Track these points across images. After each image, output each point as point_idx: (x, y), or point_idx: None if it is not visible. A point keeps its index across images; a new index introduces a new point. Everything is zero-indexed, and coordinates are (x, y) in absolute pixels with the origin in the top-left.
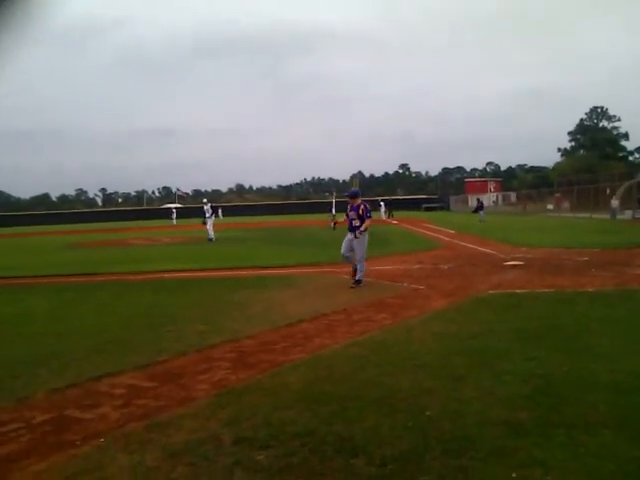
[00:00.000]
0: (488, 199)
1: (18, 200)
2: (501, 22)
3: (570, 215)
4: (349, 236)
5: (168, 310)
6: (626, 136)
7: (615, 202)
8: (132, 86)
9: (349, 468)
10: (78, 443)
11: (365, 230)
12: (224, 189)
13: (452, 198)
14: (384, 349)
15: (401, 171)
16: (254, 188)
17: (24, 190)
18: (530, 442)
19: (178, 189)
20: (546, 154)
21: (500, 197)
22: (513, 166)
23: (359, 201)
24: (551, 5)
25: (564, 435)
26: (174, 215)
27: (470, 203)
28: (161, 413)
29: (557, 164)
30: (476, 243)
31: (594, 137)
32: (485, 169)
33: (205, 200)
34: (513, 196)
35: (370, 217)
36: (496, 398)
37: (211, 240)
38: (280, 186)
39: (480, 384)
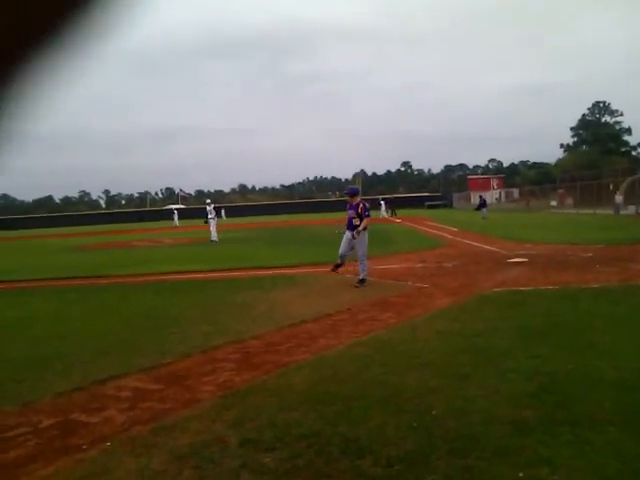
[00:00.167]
0: (491, 196)
1: (22, 203)
2: (502, 16)
3: (573, 211)
4: (348, 235)
5: (172, 312)
6: (629, 131)
7: (619, 197)
8: (133, 86)
9: (355, 469)
10: (85, 447)
11: (364, 229)
12: (227, 189)
13: (455, 195)
14: (389, 348)
15: (403, 169)
16: (257, 188)
17: (27, 193)
18: (536, 440)
19: (181, 190)
20: (548, 150)
21: (503, 194)
22: (515, 162)
23: (358, 199)
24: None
25: (570, 433)
26: (176, 216)
27: (473, 200)
28: (167, 416)
29: (559, 160)
30: (479, 241)
31: (596, 132)
32: (487, 166)
33: (208, 201)
34: (516, 193)
35: (369, 216)
36: (501, 396)
37: (214, 241)
38: (283, 186)
39: (485, 382)
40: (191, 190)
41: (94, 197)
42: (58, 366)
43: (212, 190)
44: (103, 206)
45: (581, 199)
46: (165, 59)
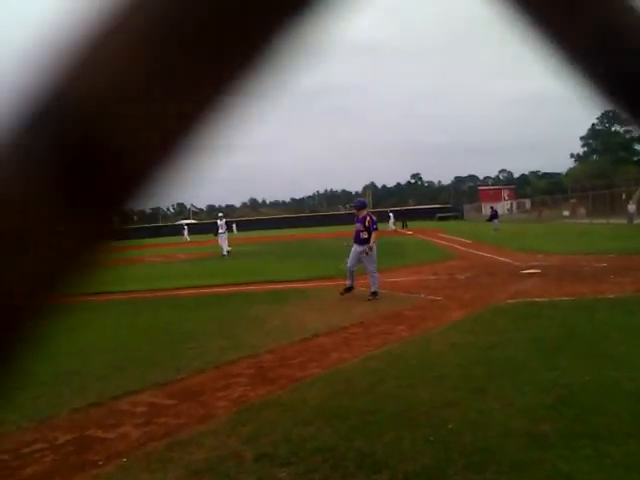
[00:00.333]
0: (502, 207)
1: None
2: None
3: (586, 221)
4: (357, 248)
5: (186, 326)
6: (639, 140)
7: (632, 207)
8: None
9: None
10: (101, 463)
11: (371, 244)
12: (238, 204)
13: (466, 207)
14: (402, 362)
15: (413, 181)
16: (267, 202)
17: None
18: (554, 454)
19: (192, 205)
20: (559, 160)
21: (515, 205)
22: (526, 173)
23: (365, 212)
24: None
25: (589, 446)
26: (186, 231)
27: (484, 211)
28: (182, 431)
29: (570, 170)
30: (492, 252)
31: (607, 141)
32: (498, 177)
33: (221, 215)
34: (528, 203)
35: (377, 229)
36: (518, 409)
37: (225, 255)
38: (293, 199)
39: (501, 395)
40: (202, 205)
41: None
42: (74, 382)
43: (223, 205)
44: None
45: (593, 209)
46: None
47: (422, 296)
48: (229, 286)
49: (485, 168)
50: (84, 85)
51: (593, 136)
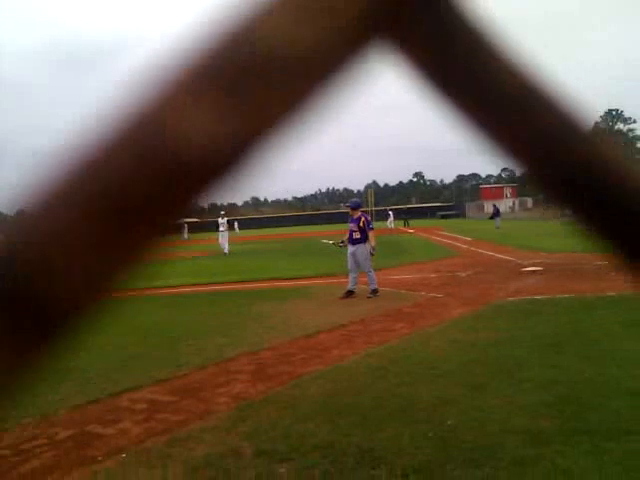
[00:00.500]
0: (504, 205)
1: None
2: (516, 20)
3: None
4: (351, 250)
5: (186, 323)
6: None
7: None
8: None
9: (371, 479)
10: (100, 459)
11: (367, 242)
12: (240, 202)
13: (468, 205)
14: (403, 359)
15: (415, 179)
16: (269, 201)
17: None
18: (553, 450)
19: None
20: None
21: (517, 203)
22: None
23: (359, 213)
24: (568, 5)
25: (588, 443)
26: (185, 229)
27: (486, 209)
28: (181, 427)
29: None
30: (494, 250)
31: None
32: (500, 175)
33: (223, 213)
34: (530, 202)
35: (372, 228)
36: (517, 406)
37: (226, 254)
38: (295, 198)
39: (501, 392)
40: (203, 203)
41: None
42: (74, 379)
43: (225, 203)
44: None
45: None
46: None
47: (423, 293)
48: (229, 284)
49: (487, 167)
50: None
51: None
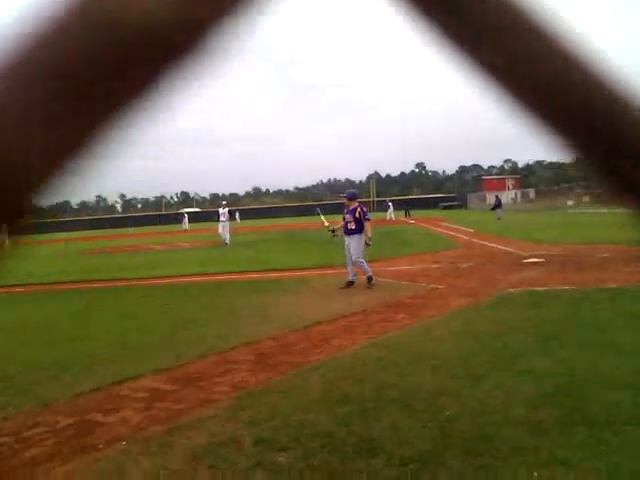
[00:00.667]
0: (507, 196)
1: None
2: None
3: (592, 211)
4: (347, 241)
5: (187, 313)
6: None
7: None
8: None
9: (369, 468)
10: (101, 447)
11: (363, 232)
12: (241, 192)
13: (470, 196)
14: (403, 349)
15: (417, 170)
16: (271, 191)
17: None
18: (551, 441)
19: (196, 194)
20: None
21: (519, 194)
22: (531, 163)
23: (355, 204)
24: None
25: (586, 434)
26: (185, 219)
27: (488, 201)
28: (182, 416)
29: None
30: (495, 241)
31: None
32: (503, 166)
33: (224, 203)
34: (532, 193)
35: (369, 219)
36: (517, 397)
37: (227, 244)
38: (297, 188)
39: (500, 383)
40: (206, 194)
41: (110, 202)
42: (76, 367)
43: (227, 193)
44: (119, 210)
45: (598, 198)
46: None
47: (424, 284)
48: (230, 274)
49: (490, 158)
50: None
51: None
